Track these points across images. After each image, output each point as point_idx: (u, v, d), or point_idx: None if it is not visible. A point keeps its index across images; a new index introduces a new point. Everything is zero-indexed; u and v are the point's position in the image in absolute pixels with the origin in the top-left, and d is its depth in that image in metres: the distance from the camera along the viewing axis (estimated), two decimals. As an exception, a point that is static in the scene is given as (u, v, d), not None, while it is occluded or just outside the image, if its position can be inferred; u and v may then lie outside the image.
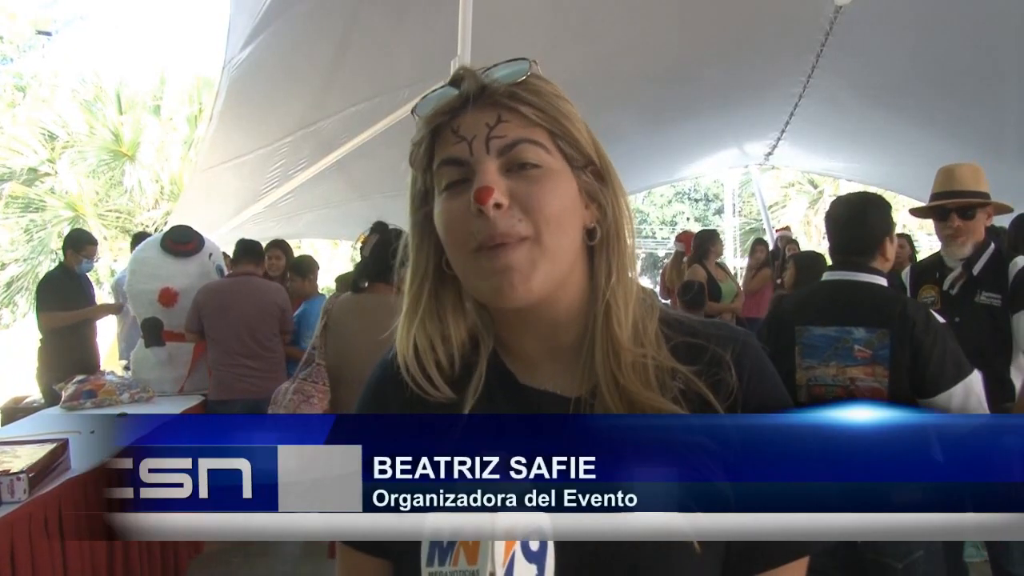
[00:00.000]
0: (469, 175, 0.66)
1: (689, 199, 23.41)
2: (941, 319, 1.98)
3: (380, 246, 2.80)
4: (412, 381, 0.72)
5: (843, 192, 15.29)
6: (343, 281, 4.81)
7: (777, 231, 8.23)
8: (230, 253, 6.38)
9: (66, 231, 11.26)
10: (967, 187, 2.46)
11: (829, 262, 2.35)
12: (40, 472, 2.24)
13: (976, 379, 1.90)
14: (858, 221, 2.05)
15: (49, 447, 2.38)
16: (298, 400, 2.61)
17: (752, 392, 0.69)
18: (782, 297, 2.32)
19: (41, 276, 11.20)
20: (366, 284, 2.80)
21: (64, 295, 4.80)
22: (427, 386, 0.71)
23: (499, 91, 0.66)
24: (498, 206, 0.64)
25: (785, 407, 0.71)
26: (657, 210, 23.06)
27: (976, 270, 2.49)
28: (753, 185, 10.91)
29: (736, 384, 0.69)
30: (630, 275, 0.71)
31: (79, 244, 4.95)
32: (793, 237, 7.66)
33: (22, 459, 2.24)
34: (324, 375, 2.66)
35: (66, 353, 4.73)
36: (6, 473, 2.11)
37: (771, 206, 15.08)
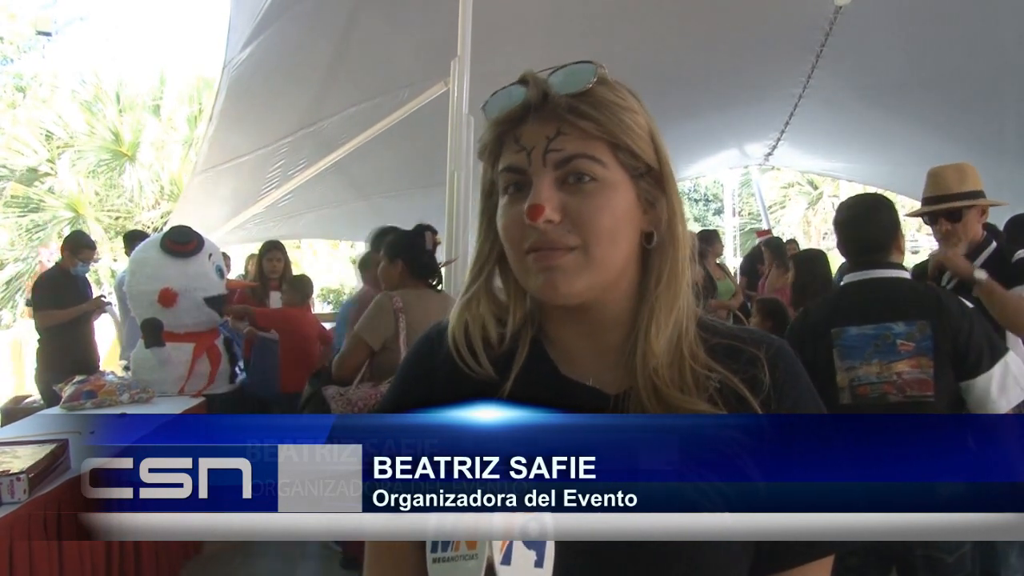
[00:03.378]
0: (526, 183, 0.68)
1: (689, 199, 23.43)
2: (969, 304, 2.02)
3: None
4: (457, 354, 0.74)
5: (842, 193, 15.31)
6: (293, 285, 4.70)
7: (758, 234, 8.11)
8: (230, 254, 6.40)
9: (66, 231, 11.27)
10: (952, 190, 2.48)
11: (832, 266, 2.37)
12: (40, 473, 2.23)
13: (1012, 358, 1.94)
14: (868, 219, 2.09)
15: (49, 448, 2.37)
16: None
17: (786, 392, 0.70)
18: (807, 308, 2.32)
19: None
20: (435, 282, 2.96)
21: (60, 295, 4.80)
22: (471, 361, 0.73)
23: (560, 103, 0.68)
24: (549, 221, 0.66)
25: (818, 411, 0.73)
26: (657, 210, 23.02)
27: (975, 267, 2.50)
28: (753, 185, 10.91)
29: (770, 382, 0.69)
30: (679, 282, 0.72)
31: (76, 247, 4.93)
32: (774, 239, 7.61)
33: (22, 460, 2.24)
34: None
35: (65, 354, 4.73)
36: (6, 474, 2.11)
37: (771, 206, 15.12)
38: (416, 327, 2.76)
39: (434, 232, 3.00)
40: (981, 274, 2.35)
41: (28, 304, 5.00)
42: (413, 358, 0.81)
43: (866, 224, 2.08)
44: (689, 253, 0.73)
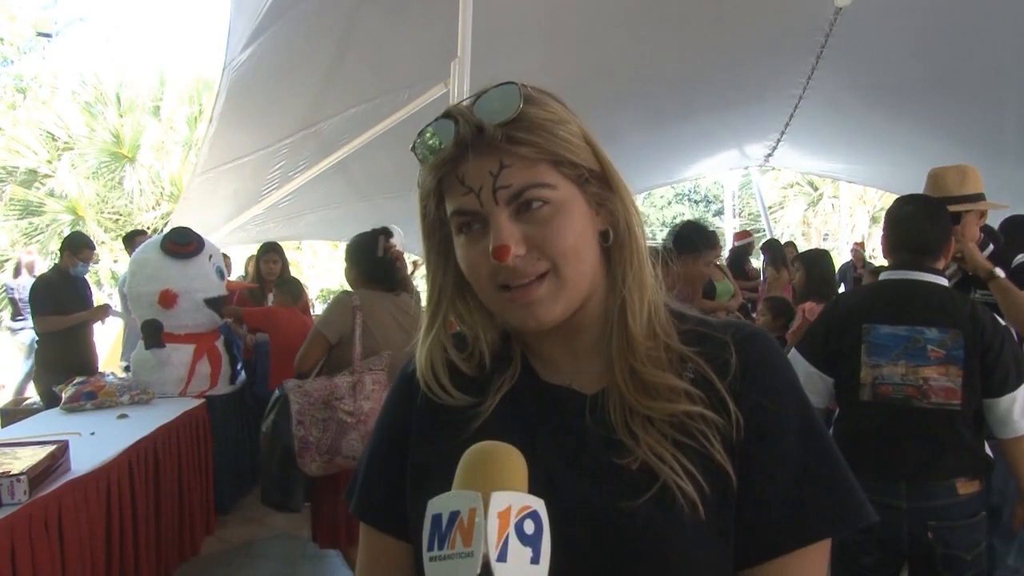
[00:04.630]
0: (483, 222, 0.68)
1: (689, 200, 23.44)
2: (1003, 322, 2.02)
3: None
4: (428, 390, 0.76)
5: (842, 194, 15.32)
6: (283, 286, 4.75)
7: (735, 237, 8.10)
8: (230, 255, 6.40)
9: (66, 233, 11.28)
10: (951, 192, 2.48)
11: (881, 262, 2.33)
12: (40, 474, 2.23)
13: None
14: (931, 221, 2.06)
15: (49, 448, 2.38)
16: (379, 389, 2.79)
17: (758, 377, 0.70)
18: (837, 298, 2.30)
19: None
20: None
21: (59, 297, 4.79)
22: (441, 394, 0.75)
23: (495, 135, 0.66)
24: (517, 256, 0.67)
25: (795, 394, 0.71)
26: (657, 212, 23.09)
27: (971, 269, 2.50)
28: (753, 186, 10.91)
29: (737, 365, 0.69)
30: (644, 270, 0.73)
31: (76, 248, 4.93)
32: (773, 240, 7.65)
33: (22, 460, 2.24)
34: (387, 364, 2.86)
35: (64, 355, 4.73)
36: (6, 474, 2.11)
37: (771, 207, 15.10)
38: (371, 324, 2.89)
39: (388, 235, 3.06)
40: (999, 271, 2.35)
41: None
42: (393, 391, 0.83)
43: (927, 226, 2.05)
44: (645, 245, 0.74)
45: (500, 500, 0.53)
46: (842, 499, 0.68)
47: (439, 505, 0.55)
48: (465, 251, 0.70)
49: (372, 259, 3.03)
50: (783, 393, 0.70)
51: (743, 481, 0.67)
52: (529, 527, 0.53)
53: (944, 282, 2.05)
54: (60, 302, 4.78)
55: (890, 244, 2.12)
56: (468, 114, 0.68)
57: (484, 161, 0.67)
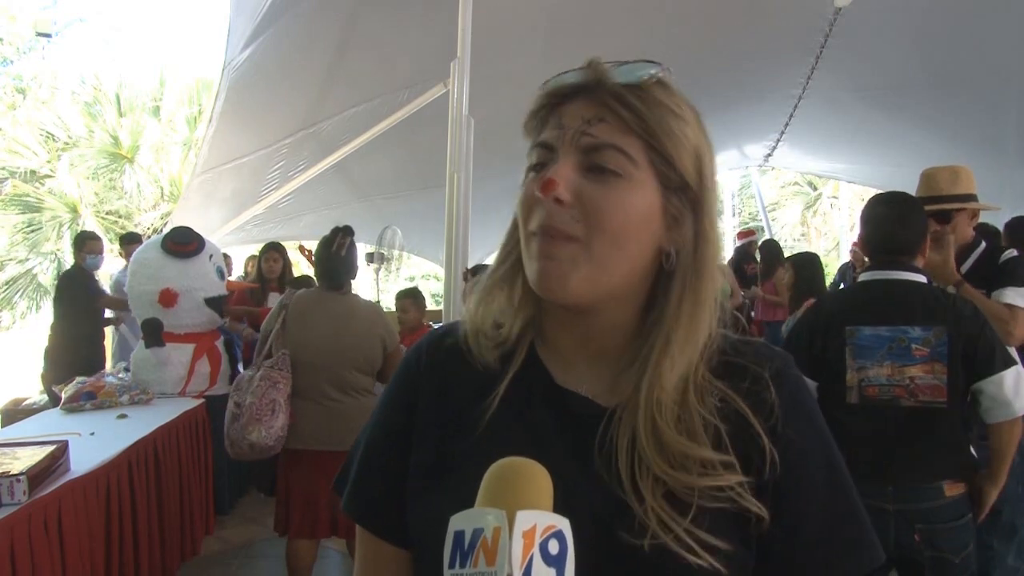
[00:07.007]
0: (554, 161, 0.66)
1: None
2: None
3: (352, 248, 3.06)
4: (465, 343, 0.73)
5: (842, 194, 15.33)
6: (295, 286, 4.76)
7: (739, 236, 8.08)
8: (230, 255, 6.40)
9: (65, 233, 11.30)
10: (943, 191, 2.49)
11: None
12: (40, 474, 2.23)
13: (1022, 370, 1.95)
14: (906, 219, 2.06)
15: (49, 449, 2.37)
16: (265, 385, 2.83)
17: (792, 413, 0.67)
18: (821, 300, 2.29)
19: (38, 277, 11.34)
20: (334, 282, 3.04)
21: (83, 290, 5.05)
22: (476, 350, 0.72)
23: (609, 88, 0.65)
24: (559, 201, 0.63)
25: (823, 431, 0.70)
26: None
27: (964, 268, 2.51)
28: (753, 187, 10.93)
29: (776, 401, 0.66)
30: (700, 316, 0.66)
31: (81, 241, 5.29)
32: (771, 241, 7.65)
33: (22, 461, 2.23)
34: (288, 363, 2.89)
35: (74, 352, 4.80)
36: (6, 475, 2.10)
37: (770, 207, 15.10)
38: (293, 322, 2.96)
39: (347, 234, 3.06)
40: (961, 282, 2.38)
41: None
42: (403, 365, 0.79)
43: (903, 224, 2.05)
44: (716, 289, 0.68)
45: (525, 519, 0.51)
46: (863, 541, 0.66)
47: (462, 522, 0.53)
48: (523, 186, 0.68)
49: (326, 256, 3.04)
50: (814, 431, 0.69)
51: (771, 520, 0.64)
52: (554, 547, 0.52)
53: (923, 279, 2.04)
54: (88, 294, 5.05)
55: (866, 244, 2.12)
56: (599, 65, 0.66)
57: (586, 108, 0.65)
